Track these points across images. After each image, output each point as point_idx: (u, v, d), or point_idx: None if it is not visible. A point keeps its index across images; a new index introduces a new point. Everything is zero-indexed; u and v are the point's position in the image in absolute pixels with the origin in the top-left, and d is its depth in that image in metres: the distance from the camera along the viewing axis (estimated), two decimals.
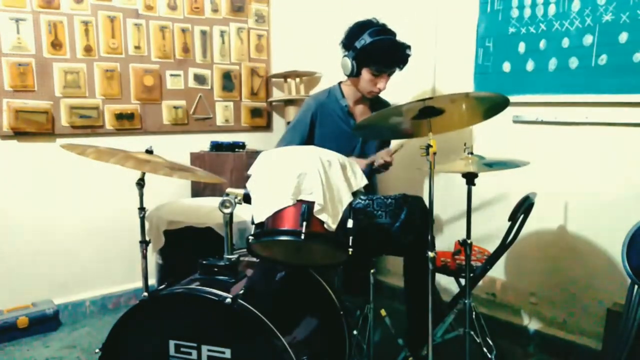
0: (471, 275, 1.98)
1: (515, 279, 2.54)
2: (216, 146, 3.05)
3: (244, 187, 1.63)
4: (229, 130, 3.32)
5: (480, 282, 2.36)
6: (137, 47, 2.92)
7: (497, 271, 2.54)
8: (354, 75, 2.27)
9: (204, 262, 1.59)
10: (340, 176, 1.58)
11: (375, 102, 2.42)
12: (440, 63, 2.71)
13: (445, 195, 2.42)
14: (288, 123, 3.31)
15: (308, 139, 2.38)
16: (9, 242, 2.64)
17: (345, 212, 1.57)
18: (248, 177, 1.62)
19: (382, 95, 2.42)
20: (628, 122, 2.07)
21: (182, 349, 1.43)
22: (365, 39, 2.19)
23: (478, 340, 1.91)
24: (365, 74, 2.25)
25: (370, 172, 2.27)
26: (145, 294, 1.68)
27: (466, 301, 1.90)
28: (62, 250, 2.79)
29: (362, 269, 1.92)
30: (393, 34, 2.27)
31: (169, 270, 2.17)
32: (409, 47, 2.24)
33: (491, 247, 2.15)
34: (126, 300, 3.00)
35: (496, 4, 2.41)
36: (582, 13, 2.14)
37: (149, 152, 1.79)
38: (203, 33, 3.15)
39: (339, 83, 2.45)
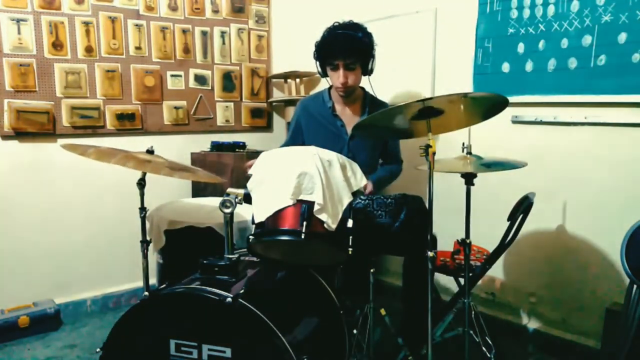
0: (470, 274, 1.99)
1: (515, 278, 2.55)
2: (217, 146, 3.06)
3: (245, 187, 1.64)
4: (230, 131, 3.33)
5: (480, 282, 2.36)
6: (138, 48, 2.92)
7: (497, 271, 2.55)
8: (324, 75, 2.29)
9: (205, 261, 1.59)
10: (340, 176, 1.59)
11: (370, 103, 2.36)
12: (439, 64, 2.71)
13: (445, 195, 2.43)
14: (288, 123, 3.32)
15: (299, 140, 2.39)
16: (10, 241, 2.65)
17: (345, 212, 1.57)
18: (248, 177, 1.63)
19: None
20: (627, 122, 2.08)
21: (183, 348, 1.44)
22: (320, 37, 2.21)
23: (477, 340, 1.92)
24: (328, 70, 2.25)
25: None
26: (146, 293, 1.68)
27: (465, 300, 1.91)
28: (63, 249, 2.80)
29: (361, 269, 1.93)
30: (352, 27, 2.19)
31: (169, 269, 2.18)
32: (358, 34, 2.15)
33: (490, 247, 2.15)
34: (127, 300, 3.01)
35: (495, 4, 2.41)
36: (581, 14, 2.15)
37: (150, 152, 1.79)
38: (203, 34, 3.15)
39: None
